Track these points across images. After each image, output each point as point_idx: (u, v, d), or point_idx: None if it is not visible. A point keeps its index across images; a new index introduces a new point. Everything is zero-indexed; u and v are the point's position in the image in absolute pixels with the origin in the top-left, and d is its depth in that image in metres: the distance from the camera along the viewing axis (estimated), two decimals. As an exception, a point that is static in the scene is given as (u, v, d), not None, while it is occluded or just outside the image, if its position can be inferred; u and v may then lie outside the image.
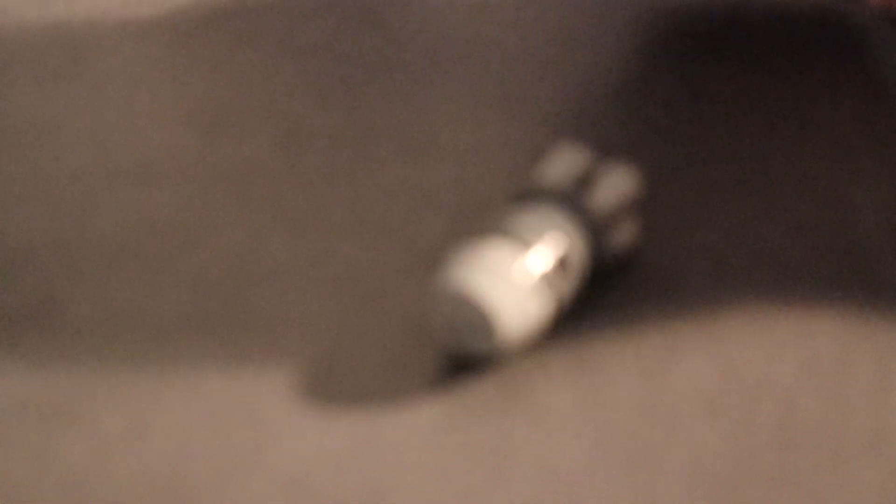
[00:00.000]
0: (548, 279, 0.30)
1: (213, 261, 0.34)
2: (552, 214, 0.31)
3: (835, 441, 0.28)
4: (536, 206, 0.31)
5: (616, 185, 0.32)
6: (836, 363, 0.30)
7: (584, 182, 0.32)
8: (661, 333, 0.31)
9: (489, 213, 0.34)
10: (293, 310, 0.32)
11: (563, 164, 0.32)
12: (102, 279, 0.33)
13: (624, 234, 0.32)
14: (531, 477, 0.28)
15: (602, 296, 0.32)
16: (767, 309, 0.32)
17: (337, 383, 0.30)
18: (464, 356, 0.30)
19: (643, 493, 0.27)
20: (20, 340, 0.32)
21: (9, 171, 0.37)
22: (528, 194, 0.32)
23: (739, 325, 0.31)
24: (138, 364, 0.31)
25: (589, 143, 0.37)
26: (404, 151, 0.38)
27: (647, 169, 0.36)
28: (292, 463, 0.28)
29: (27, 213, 0.36)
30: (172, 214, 0.36)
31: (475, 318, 0.30)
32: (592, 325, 0.32)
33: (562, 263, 0.30)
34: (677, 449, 0.28)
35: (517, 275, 0.30)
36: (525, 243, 0.30)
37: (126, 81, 0.41)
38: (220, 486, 0.28)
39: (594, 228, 0.31)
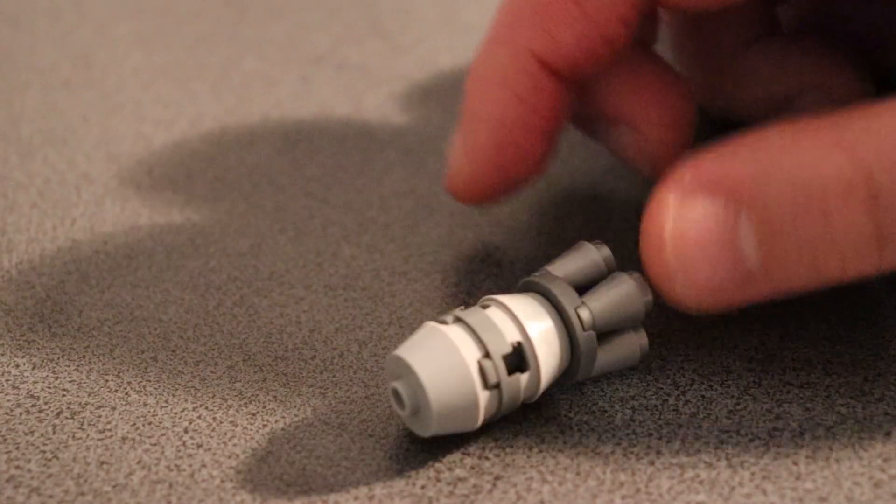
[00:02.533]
0: (483, 366, 0.28)
1: (218, 265, 0.34)
2: (534, 309, 0.29)
3: (820, 442, 0.29)
4: (522, 297, 0.29)
5: (619, 295, 0.29)
6: (823, 364, 0.31)
7: (589, 285, 0.30)
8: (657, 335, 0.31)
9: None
10: (296, 312, 0.33)
11: (575, 262, 0.30)
12: (110, 283, 0.33)
13: (623, 348, 0.30)
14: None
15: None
16: (760, 312, 0.32)
17: (337, 383, 0.30)
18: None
19: None
20: (30, 342, 0.32)
21: (20, 178, 0.37)
22: (526, 284, 0.30)
23: (729, 328, 0.31)
24: (145, 365, 0.31)
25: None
26: (405, 158, 0.38)
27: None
28: (297, 462, 0.28)
29: (38, 219, 0.36)
30: (179, 220, 0.36)
31: (411, 390, 0.28)
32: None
33: (507, 355, 0.28)
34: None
35: (449, 354, 0.28)
36: (477, 328, 0.28)
37: (134, 90, 0.41)
38: (227, 486, 0.28)
39: (578, 335, 0.29)
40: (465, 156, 0.32)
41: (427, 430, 0.28)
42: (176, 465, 0.28)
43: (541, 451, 0.28)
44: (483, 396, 0.28)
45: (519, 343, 0.28)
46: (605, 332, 0.29)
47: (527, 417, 0.29)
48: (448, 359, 0.28)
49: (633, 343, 0.30)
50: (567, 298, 0.29)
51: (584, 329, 0.29)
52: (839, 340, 0.31)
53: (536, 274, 0.29)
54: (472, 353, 0.28)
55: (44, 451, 0.29)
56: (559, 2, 0.30)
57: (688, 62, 0.36)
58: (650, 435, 0.29)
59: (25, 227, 0.36)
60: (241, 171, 0.37)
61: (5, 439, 0.29)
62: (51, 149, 0.39)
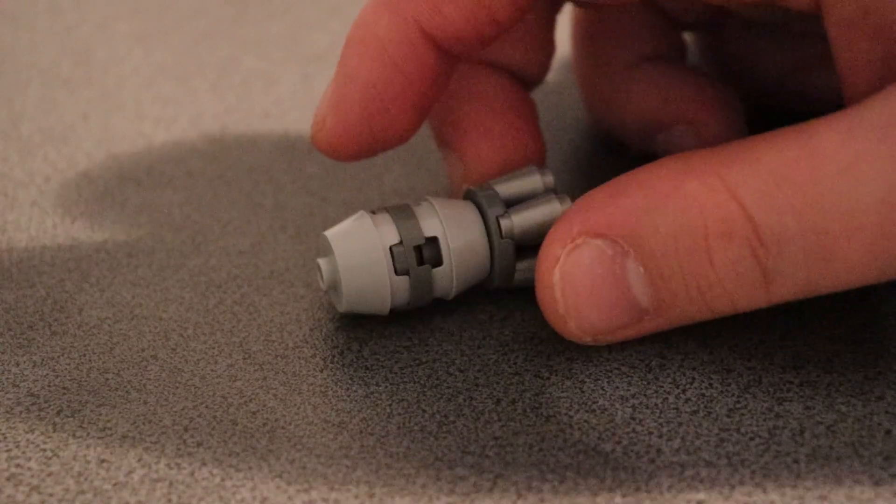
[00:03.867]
0: (394, 252, 0.30)
1: (218, 263, 0.34)
2: (461, 211, 0.31)
3: (821, 440, 0.29)
4: (455, 201, 0.31)
5: (544, 213, 0.31)
6: (823, 363, 0.31)
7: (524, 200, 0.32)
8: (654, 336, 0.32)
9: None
10: (297, 311, 0.33)
11: (517, 181, 0.32)
12: (111, 281, 0.33)
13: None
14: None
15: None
16: (760, 311, 0.32)
17: (337, 381, 0.30)
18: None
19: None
20: (31, 340, 0.32)
21: (20, 176, 0.37)
22: (465, 193, 0.32)
23: (729, 327, 0.32)
24: (145, 364, 0.31)
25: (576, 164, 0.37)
26: (404, 157, 0.38)
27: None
28: (297, 460, 0.28)
29: (38, 217, 0.36)
30: (179, 218, 0.36)
31: (330, 267, 0.31)
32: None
33: (422, 246, 0.31)
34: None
35: (366, 237, 0.30)
36: (397, 218, 0.31)
37: (135, 88, 0.41)
38: (227, 484, 0.28)
39: (496, 241, 0.31)
40: (332, 111, 0.31)
41: (341, 306, 0.31)
42: (176, 464, 0.28)
43: (541, 450, 0.28)
44: (393, 281, 0.30)
45: (435, 237, 0.31)
46: (531, 247, 0.31)
47: (526, 416, 0.29)
48: (364, 242, 0.30)
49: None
50: (492, 207, 0.31)
51: (501, 237, 0.31)
52: (839, 339, 0.31)
53: (477, 186, 0.31)
54: (387, 240, 0.30)
55: (44, 450, 0.29)
56: None
57: (579, 74, 0.37)
58: (650, 433, 0.29)
59: (26, 226, 0.36)
60: (241, 170, 0.37)
61: (5, 437, 0.29)
62: (51, 147, 0.39)
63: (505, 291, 0.32)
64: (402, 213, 0.31)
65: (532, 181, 0.31)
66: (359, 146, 0.31)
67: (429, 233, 0.31)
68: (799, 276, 0.28)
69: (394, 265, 0.31)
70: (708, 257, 0.28)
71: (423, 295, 0.31)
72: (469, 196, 0.32)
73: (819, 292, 0.29)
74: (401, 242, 0.31)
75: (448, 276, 0.31)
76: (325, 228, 0.35)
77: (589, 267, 0.29)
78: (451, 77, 0.32)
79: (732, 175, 0.28)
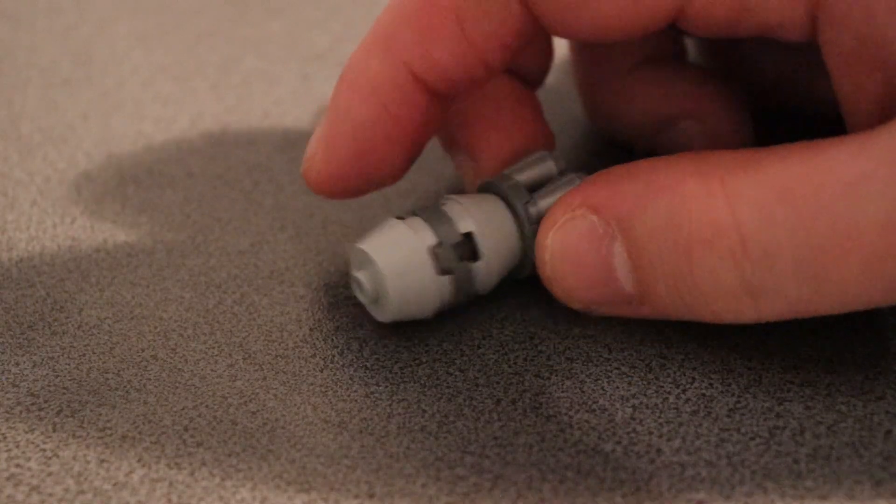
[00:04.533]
0: (436, 253, 0.30)
1: (218, 263, 0.34)
2: (488, 204, 0.31)
3: (821, 440, 0.29)
4: (478, 196, 0.32)
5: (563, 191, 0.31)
6: (823, 362, 0.31)
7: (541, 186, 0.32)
8: (653, 337, 0.32)
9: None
10: (297, 311, 0.33)
11: (529, 166, 0.32)
12: (111, 281, 0.33)
13: None
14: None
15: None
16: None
17: (337, 381, 0.30)
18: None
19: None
20: (30, 340, 0.32)
21: (20, 175, 0.38)
22: (483, 186, 0.32)
23: (729, 327, 0.32)
24: (145, 364, 0.31)
25: (582, 155, 0.37)
26: (405, 156, 0.38)
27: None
28: (297, 460, 0.28)
29: (38, 217, 0.36)
30: (179, 218, 0.36)
31: (372, 278, 0.31)
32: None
33: (460, 244, 0.31)
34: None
35: (406, 242, 0.31)
36: (429, 219, 0.31)
37: (135, 88, 0.41)
38: (227, 484, 0.28)
39: (526, 229, 0.31)
40: (322, 150, 0.31)
41: (387, 316, 0.31)
42: (176, 464, 0.28)
43: (541, 450, 0.28)
44: (437, 282, 0.31)
45: (470, 233, 0.31)
46: None
47: (526, 416, 0.29)
48: (404, 248, 0.30)
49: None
50: (517, 196, 0.31)
51: (531, 223, 0.31)
52: (839, 338, 0.31)
53: (494, 178, 0.32)
54: (426, 242, 0.31)
55: (44, 450, 0.29)
56: (441, 19, 0.30)
57: (578, 78, 0.37)
58: (651, 433, 0.29)
59: (25, 226, 0.36)
60: (242, 170, 0.37)
61: (5, 437, 0.29)
62: (51, 147, 0.39)
63: (526, 281, 0.32)
64: (433, 214, 0.31)
65: (546, 166, 0.32)
66: (347, 185, 0.31)
67: (464, 229, 0.31)
68: (790, 293, 0.28)
69: (437, 266, 0.31)
70: (687, 260, 0.28)
71: (466, 293, 0.31)
72: (488, 188, 0.32)
73: (813, 313, 0.28)
74: (440, 243, 0.31)
75: (486, 270, 0.31)
76: (325, 228, 0.35)
77: (577, 240, 0.29)
78: (442, 117, 0.32)
79: (735, 182, 0.28)
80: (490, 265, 0.31)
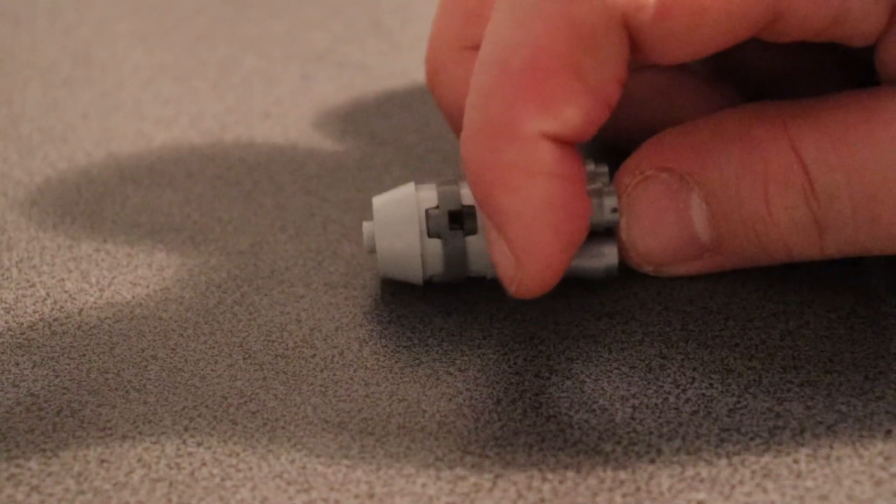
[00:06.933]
0: (430, 214, 0.31)
1: (218, 263, 0.34)
2: None
3: (821, 440, 0.29)
4: None
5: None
6: (824, 362, 0.31)
7: None
8: (653, 337, 0.32)
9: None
10: (297, 311, 0.33)
11: None
12: (110, 281, 0.33)
13: (589, 254, 0.32)
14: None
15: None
16: (761, 310, 0.32)
17: (337, 381, 0.30)
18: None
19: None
20: (30, 340, 0.32)
21: (20, 175, 0.38)
22: None
23: (730, 327, 0.32)
24: (145, 364, 0.31)
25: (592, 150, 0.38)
26: (405, 157, 0.38)
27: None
28: (297, 460, 0.29)
29: (38, 217, 0.36)
30: (179, 218, 0.36)
31: (369, 227, 0.32)
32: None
33: (458, 213, 0.31)
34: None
35: (405, 199, 0.31)
36: (440, 185, 0.32)
37: (134, 88, 0.41)
38: (227, 484, 0.28)
39: None
40: (525, 257, 0.29)
41: (380, 269, 0.32)
42: (176, 464, 0.28)
43: (541, 450, 0.28)
44: (426, 244, 0.31)
45: (472, 206, 0.31)
46: None
47: (526, 416, 0.29)
48: (403, 206, 0.31)
49: (599, 252, 0.32)
50: None
51: None
52: (839, 339, 0.31)
53: None
54: (424, 204, 0.31)
55: (44, 450, 0.29)
56: (560, 80, 0.29)
57: None
58: (651, 433, 0.29)
59: (25, 226, 0.36)
60: (241, 170, 0.38)
61: (5, 437, 0.29)
62: (51, 147, 0.39)
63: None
64: (446, 183, 0.32)
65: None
66: (563, 266, 0.30)
67: (467, 201, 0.31)
68: (848, 232, 0.30)
69: (428, 228, 0.31)
70: (765, 200, 0.30)
71: (457, 264, 0.32)
72: None
73: (869, 252, 0.30)
74: (437, 207, 0.31)
75: (482, 248, 0.31)
76: (325, 228, 0.35)
77: (654, 198, 0.30)
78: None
79: (796, 128, 0.30)
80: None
